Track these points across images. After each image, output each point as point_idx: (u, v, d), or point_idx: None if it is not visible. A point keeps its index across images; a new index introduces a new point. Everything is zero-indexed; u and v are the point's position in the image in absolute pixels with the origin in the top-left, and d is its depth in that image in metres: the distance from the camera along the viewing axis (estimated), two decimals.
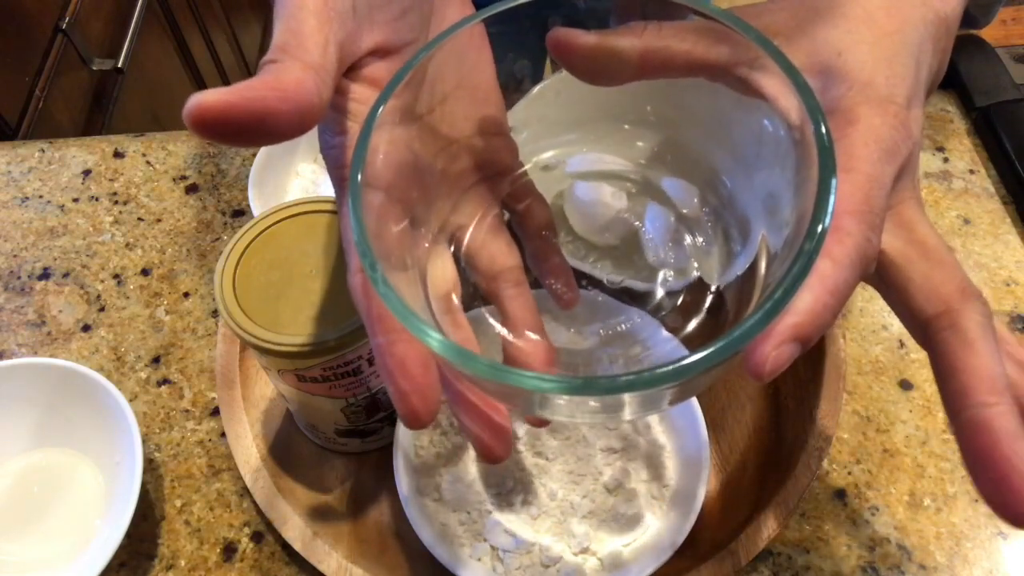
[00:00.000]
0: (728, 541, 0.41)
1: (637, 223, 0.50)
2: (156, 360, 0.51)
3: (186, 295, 0.53)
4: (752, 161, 0.52)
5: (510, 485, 0.42)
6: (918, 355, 0.50)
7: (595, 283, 0.46)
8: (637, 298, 0.46)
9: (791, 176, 0.47)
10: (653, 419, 0.44)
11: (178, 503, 0.46)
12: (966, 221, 0.55)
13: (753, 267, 0.44)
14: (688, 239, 0.48)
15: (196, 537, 0.45)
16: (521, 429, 0.43)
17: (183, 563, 0.44)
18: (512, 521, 0.41)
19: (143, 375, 0.50)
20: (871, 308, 0.52)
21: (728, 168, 0.54)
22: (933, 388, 0.48)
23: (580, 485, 0.41)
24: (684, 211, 0.48)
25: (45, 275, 0.55)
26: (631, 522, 0.41)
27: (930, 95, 0.32)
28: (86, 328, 0.52)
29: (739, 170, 0.53)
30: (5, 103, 1.02)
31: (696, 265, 0.50)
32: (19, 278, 0.55)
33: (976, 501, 0.45)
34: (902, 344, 0.50)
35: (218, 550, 0.44)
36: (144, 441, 0.47)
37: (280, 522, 0.42)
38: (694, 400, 0.43)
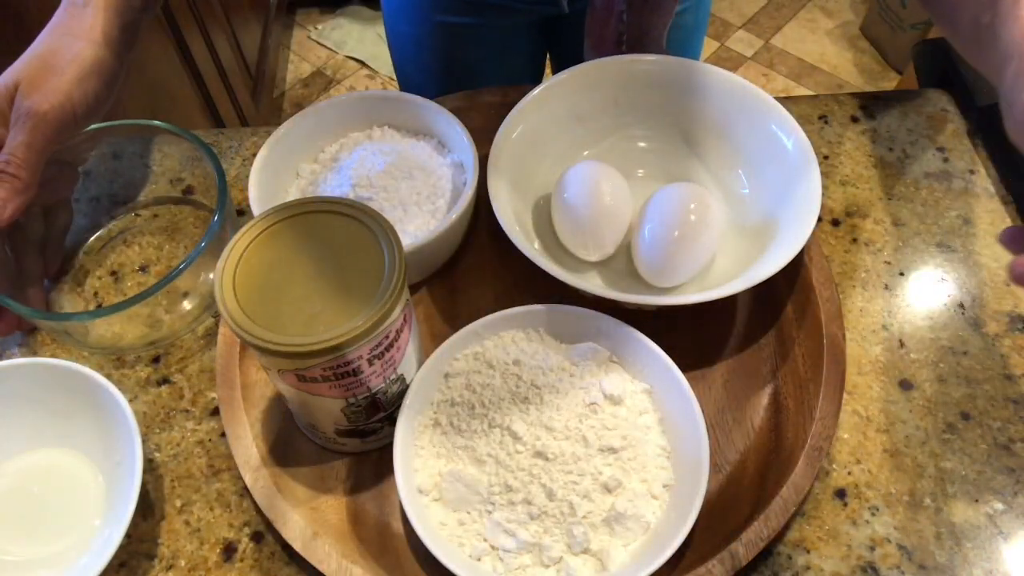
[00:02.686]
0: (728, 541, 0.41)
1: (632, 236, 0.50)
2: (156, 360, 0.51)
3: (185, 295, 0.53)
4: (761, 162, 0.52)
5: (510, 485, 0.42)
6: (918, 355, 0.50)
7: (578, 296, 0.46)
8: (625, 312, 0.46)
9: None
10: (653, 419, 0.44)
11: (178, 503, 0.46)
12: (966, 221, 0.55)
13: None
14: (686, 255, 0.48)
15: (196, 537, 0.45)
16: (522, 429, 0.42)
17: (183, 563, 0.44)
18: (512, 521, 0.41)
19: (143, 375, 0.50)
20: (871, 308, 0.52)
21: (739, 170, 0.54)
22: (933, 388, 0.48)
23: (580, 485, 0.41)
24: (691, 218, 0.47)
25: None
26: (631, 522, 0.41)
27: None
28: None
29: (750, 171, 0.53)
30: None
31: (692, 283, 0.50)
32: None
33: (976, 501, 0.45)
34: (902, 344, 0.50)
35: (218, 550, 0.44)
36: (144, 441, 0.47)
37: (280, 522, 0.42)
38: (694, 400, 0.43)
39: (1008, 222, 0.55)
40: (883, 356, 0.50)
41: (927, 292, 0.52)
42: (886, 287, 0.53)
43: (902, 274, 0.53)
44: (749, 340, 0.50)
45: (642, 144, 0.57)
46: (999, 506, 0.44)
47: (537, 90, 0.53)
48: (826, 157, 0.59)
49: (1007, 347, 0.50)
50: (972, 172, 0.58)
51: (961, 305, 0.52)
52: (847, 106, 0.62)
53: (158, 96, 1.27)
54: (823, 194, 0.56)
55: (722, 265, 0.51)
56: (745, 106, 0.53)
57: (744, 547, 0.40)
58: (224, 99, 1.48)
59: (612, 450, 0.42)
